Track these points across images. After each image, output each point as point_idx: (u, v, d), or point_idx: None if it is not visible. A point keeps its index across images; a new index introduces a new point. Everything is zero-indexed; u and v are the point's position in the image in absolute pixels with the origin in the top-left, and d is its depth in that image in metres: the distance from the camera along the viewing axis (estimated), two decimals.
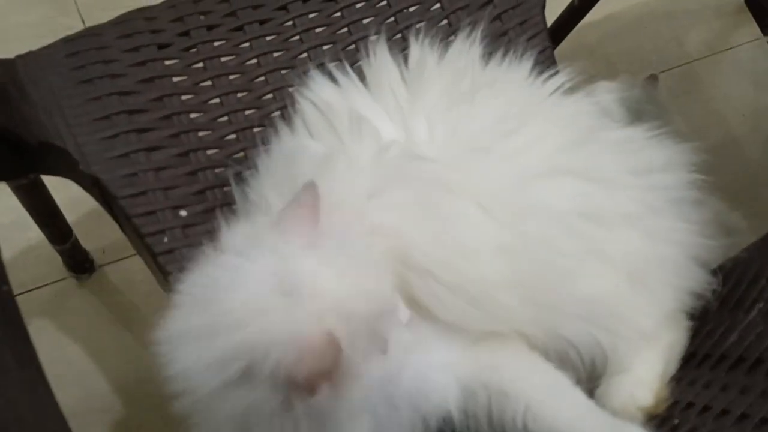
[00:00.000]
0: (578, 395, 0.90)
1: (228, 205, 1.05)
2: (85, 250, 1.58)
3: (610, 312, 0.96)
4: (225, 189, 1.07)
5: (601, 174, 0.98)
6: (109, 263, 1.66)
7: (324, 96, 1.02)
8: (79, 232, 1.54)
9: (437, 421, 0.88)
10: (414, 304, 0.89)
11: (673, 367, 1.00)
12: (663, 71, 1.88)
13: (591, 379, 0.98)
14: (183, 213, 1.04)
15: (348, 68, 1.05)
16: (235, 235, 0.85)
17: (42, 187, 1.24)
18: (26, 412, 0.64)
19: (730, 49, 1.96)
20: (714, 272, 1.02)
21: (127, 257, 1.66)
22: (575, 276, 0.93)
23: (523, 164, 0.94)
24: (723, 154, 1.73)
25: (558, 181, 0.95)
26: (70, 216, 1.49)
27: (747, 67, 1.93)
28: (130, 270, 1.65)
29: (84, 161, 1.00)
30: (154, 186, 1.04)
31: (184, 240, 1.03)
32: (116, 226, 1.36)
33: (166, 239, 1.03)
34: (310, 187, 0.81)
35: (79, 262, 1.57)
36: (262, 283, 0.78)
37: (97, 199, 1.07)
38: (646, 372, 0.97)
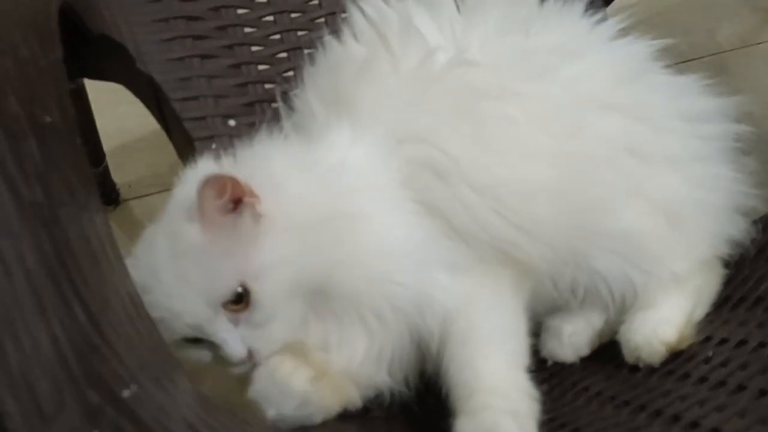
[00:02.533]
0: (520, 355, 0.89)
1: (275, 120, 1.05)
2: (113, 182, 1.59)
3: (646, 250, 0.96)
4: (273, 105, 1.07)
5: (649, 114, 0.98)
6: (134, 198, 1.66)
7: (377, 5, 1.02)
8: (108, 165, 1.55)
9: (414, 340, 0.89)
10: (434, 216, 0.89)
11: (702, 310, 1.00)
12: (693, 59, 1.89)
13: (619, 313, 0.99)
14: (232, 122, 1.06)
15: None
16: None
17: (85, 98, 1.25)
18: None
19: (761, 43, 1.97)
20: (754, 222, 1.02)
21: (152, 194, 1.67)
22: (614, 207, 0.94)
23: (575, 90, 0.95)
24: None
25: (607, 115, 0.96)
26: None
27: None
28: (154, 206, 1.64)
29: (141, 60, 1.01)
30: (206, 93, 1.05)
31: (231, 149, 1.04)
32: (144, 164, 1.37)
33: (214, 145, 1.03)
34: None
35: (106, 192, 1.58)
36: None
37: (146, 102, 1.07)
38: (671, 309, 0.96)
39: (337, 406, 0.88)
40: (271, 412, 0.83)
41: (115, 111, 1.58)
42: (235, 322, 0.82)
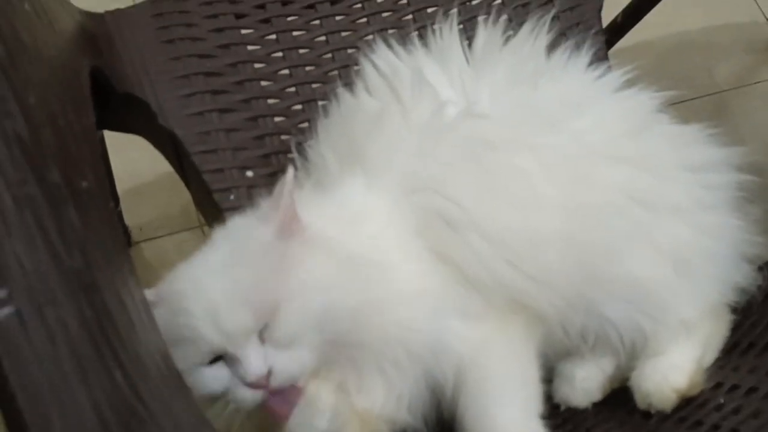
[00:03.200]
0: (534, 402, 0.91)
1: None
2: (125, 224, 1.60)
3: (655, 298, 0.98)
4: (289, 155, 1.10)
5: (655, 165, 1.01)
6: (145, 240, 1.68)
7: (388, 59, 1.05)
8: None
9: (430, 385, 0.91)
10: (446, 264, 0.91)
11: (711, 356, 1.02)
12: (692, 99, 1.92)
13: (630, 359, 1.01)
14: (249, 174, 1.08)
15: (415, 41, 1.08)
16: None
17: (104, 146, 1.27)
18: None
19: (758, 83, 2.00)
20: (760, 268, 1.05)
21: (163, 236, 1.69)
22: (622, 255, 0.96)
23: (583, 142, 0.98)
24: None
25: (614, 165, 0.98)
26: None
27: None
28: (165, 249, 1.67)
29: (163, 115, 1.04)
30: (224, 146, 1.08)
31: (249, 200, 1.06)
32: (154, 206, 1.39)
33: (232, 197, 1.06)
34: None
35: None
36: None
37: (167, 155, 1.10)
38: (681, 356, 0.99)
39: None
40: None
41: (127, 154, 1.60)
42: (262, 340, 0.82)
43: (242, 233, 0.87)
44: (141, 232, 1.68)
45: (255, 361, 0.81)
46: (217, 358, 0.82)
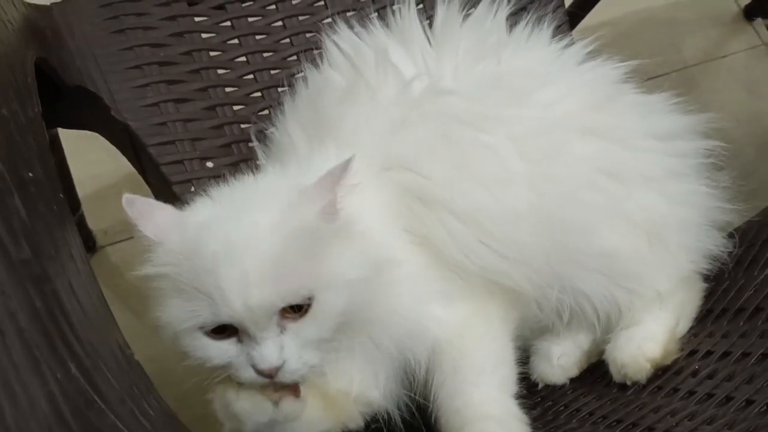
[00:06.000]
0: (509, 382, 0.90)
1: (252, 160, 1.06)
2: (89, 229, 1.58)
3: (628, 269, 0.98)
4: (250, 144, 1.08)
5: (623, 135, 1.00)
6: (110, 244, 1.65)
7: (351, 39, 1.03)
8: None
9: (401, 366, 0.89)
10: (424, 245, 0.89)
11: (684, 325, 1.02)
12: (660, 75, 1.92)
13: (605, 333, 1.01)
14: (210, 164, 1.06)
15: (375, 21, 1.06)
16: None
17: (60, 148, 1.25)
18: None
19: (725, 56, 2.00)
20: (730, 235, 1.04)
21: (128, 239, 1.66)
22: (595, 228, 0.95)
23: (550, 114, 0.96)
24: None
25: (582, 137, 0.97)
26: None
27: (742, 74, 1.97)
28: (130, 252, 1.63)
29: (116, 108, 1.02)
30: (182, 136, 1.06)
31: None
32: (118, 209, 1.36)
33: (192, 188, 1.04)
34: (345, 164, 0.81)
35: (82, 240, 1.56)
36: None
37: (123, 149, 1.08)
38: (655, 326, 0.98)
39: (335, 423, 0.88)
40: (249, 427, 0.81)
41: (87, 157, 1.58)
42: (282, 329, 0.78)
43: (285, 203, 0.79)
44: (105, 236, 1.66)
45: (272, 350, 0.77)
46: (225, 329, 0.78)
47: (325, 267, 0.78)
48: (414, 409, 0.92)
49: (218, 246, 0.76)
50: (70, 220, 0.71)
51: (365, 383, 0.88)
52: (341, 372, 0.88)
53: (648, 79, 1.42)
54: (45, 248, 0.64)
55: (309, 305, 0.77)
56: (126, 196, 0.80)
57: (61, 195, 0.70)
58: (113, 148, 1.13)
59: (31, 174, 0.67)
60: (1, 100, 0.69)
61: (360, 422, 0.90)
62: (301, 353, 0.78)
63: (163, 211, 0.82)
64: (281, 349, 0.77)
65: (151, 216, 0.80)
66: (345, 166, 0.79)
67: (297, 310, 0.78)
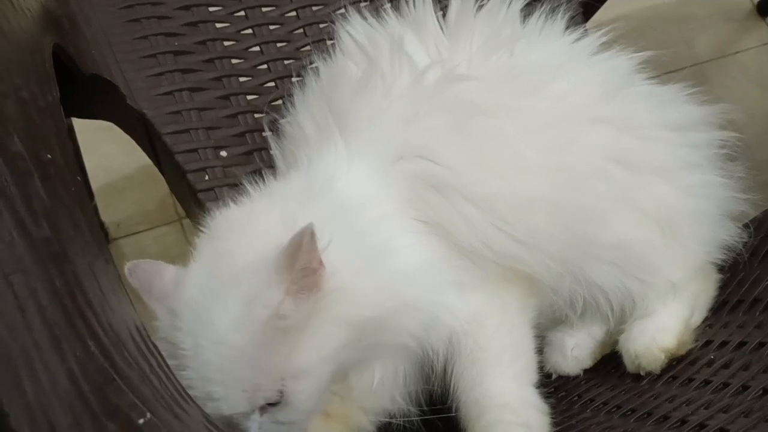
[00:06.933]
0: (528, 372, 0.91)
1: (266, 149, 1.06)
2: (101, 221, 1.58)
3: (641, 260, 0.97)
4: (263, 134, 1.09)
5: (636, 125, 0.99)
6: (122, 237, 1.66)
7: (365, 29, 1.03)
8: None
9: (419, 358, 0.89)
10: (439, 235, 0.89)
11: (699, 315, 1.01)
12: (672, 71, 1.91)
13: (619, 324, 1.01)
14: (223, 153, 1.06)
15: (389, 11, 1.06)
16: None
17: (74, 140, 1.26)
18: None
19: (737, 53, 2.00)
20: (745, 225, 1.04)
21: (140, 231, 1.67)
22: (607, 218, 0.95)
23: (563, 105, 0.96)
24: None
25: (595, 127, 0.97)
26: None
27: (754, 70, 1.97)
28: (143, 243, 1.66)
29: (131, 96, 1.02)
30: (196, 125, 1.06)
31: (224, 179, 1.05)
32: (131, 202, 1.37)
33: (207, 177, 1.04)
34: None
35: None
36: None
37: (137, 138, 1.08)
38: (669, 317, 0.98)
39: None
40: None
41: (101, 150, 1.58)
42: (261, 411, 0.78)
43: (251, 281, 0.77)
44: (119, 229, 1.66)
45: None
46: None
47: (294, 357, 0.77)
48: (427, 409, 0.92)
49: (188, 347, 0.78)
50: (88, 204, 0.72)
51: (385, 384, 0.88)
52: (361, 375, 0.88)
53: (660, 75, 1.42)
54: (64, 229, 0.64)
55: (282, 396, 0.78)
56: (128, 266, 0.81)
57: (80, 178, 0.70)
58: (126, 141, 1.13)
59: (50, 156, 0.68)
60: (21, 82, 0.69)
61: (371, 429, 0.91)
62: (281, 429, 0.79)
63: (160, 279, 0.83)
64: (259, 427, 0.78)
65: (150, 286, 0.82)
66: (304, 236, 0.74)
67: (276, 403, 0.78)
